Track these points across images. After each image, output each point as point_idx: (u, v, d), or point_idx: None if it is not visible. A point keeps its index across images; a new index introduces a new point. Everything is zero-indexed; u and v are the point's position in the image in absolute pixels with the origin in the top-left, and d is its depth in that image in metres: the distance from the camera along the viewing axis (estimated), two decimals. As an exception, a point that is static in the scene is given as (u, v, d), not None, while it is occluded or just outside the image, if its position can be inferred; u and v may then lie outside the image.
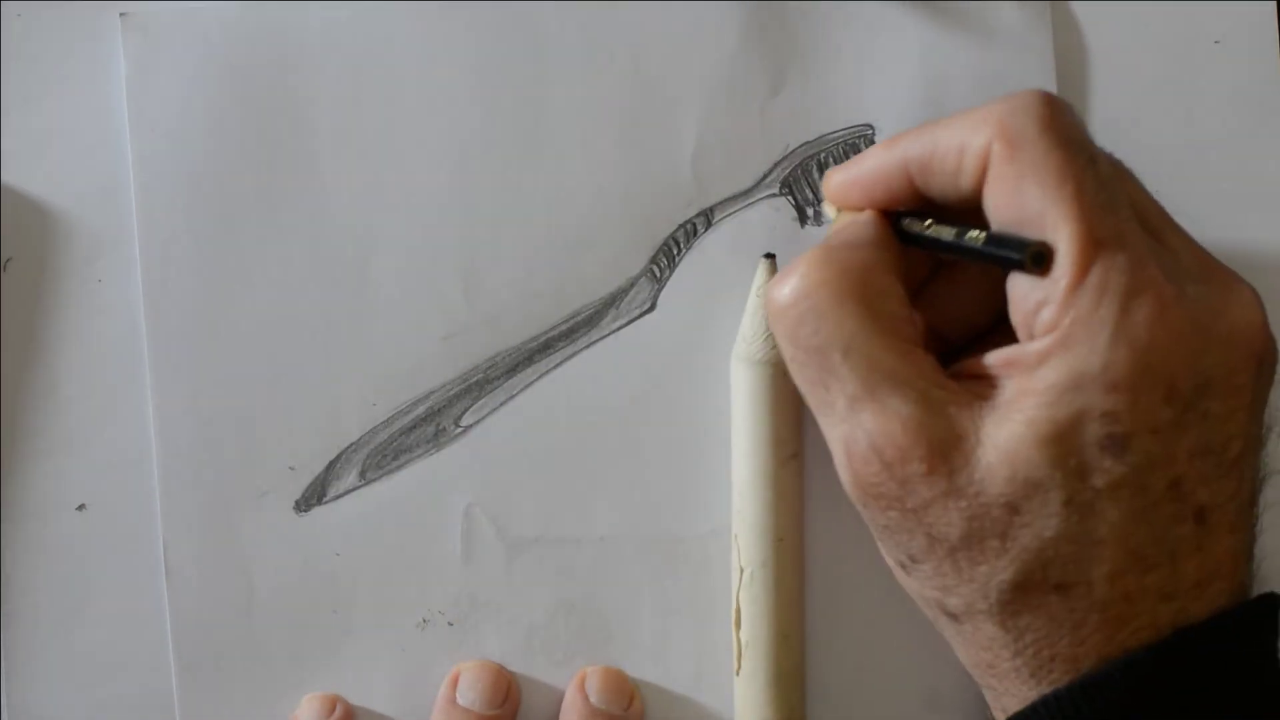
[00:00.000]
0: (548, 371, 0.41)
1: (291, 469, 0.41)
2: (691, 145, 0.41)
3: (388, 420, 0.41)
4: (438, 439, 0.41)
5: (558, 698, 0.40)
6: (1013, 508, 0.31)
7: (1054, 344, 0.31)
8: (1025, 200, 0.32)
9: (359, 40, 0.41)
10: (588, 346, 0.41)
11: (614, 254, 0.41)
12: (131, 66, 0.41)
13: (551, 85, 0.41)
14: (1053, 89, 0.41)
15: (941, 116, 0.41)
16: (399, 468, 0.41)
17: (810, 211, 0.41)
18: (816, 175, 0.41)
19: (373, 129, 0.41)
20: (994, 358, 0.32)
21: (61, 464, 0.40)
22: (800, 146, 0.42)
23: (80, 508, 0.40)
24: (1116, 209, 0.32)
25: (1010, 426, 0.31)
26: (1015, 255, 0.32)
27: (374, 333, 0.41)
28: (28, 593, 0.40)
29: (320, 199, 0.41)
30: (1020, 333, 0.32)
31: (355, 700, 0.40)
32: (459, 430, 0.41)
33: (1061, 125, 0.32)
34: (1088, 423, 0.31)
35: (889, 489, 0.32)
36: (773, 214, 0.41)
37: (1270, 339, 0.33)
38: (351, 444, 0.41)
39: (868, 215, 0.36)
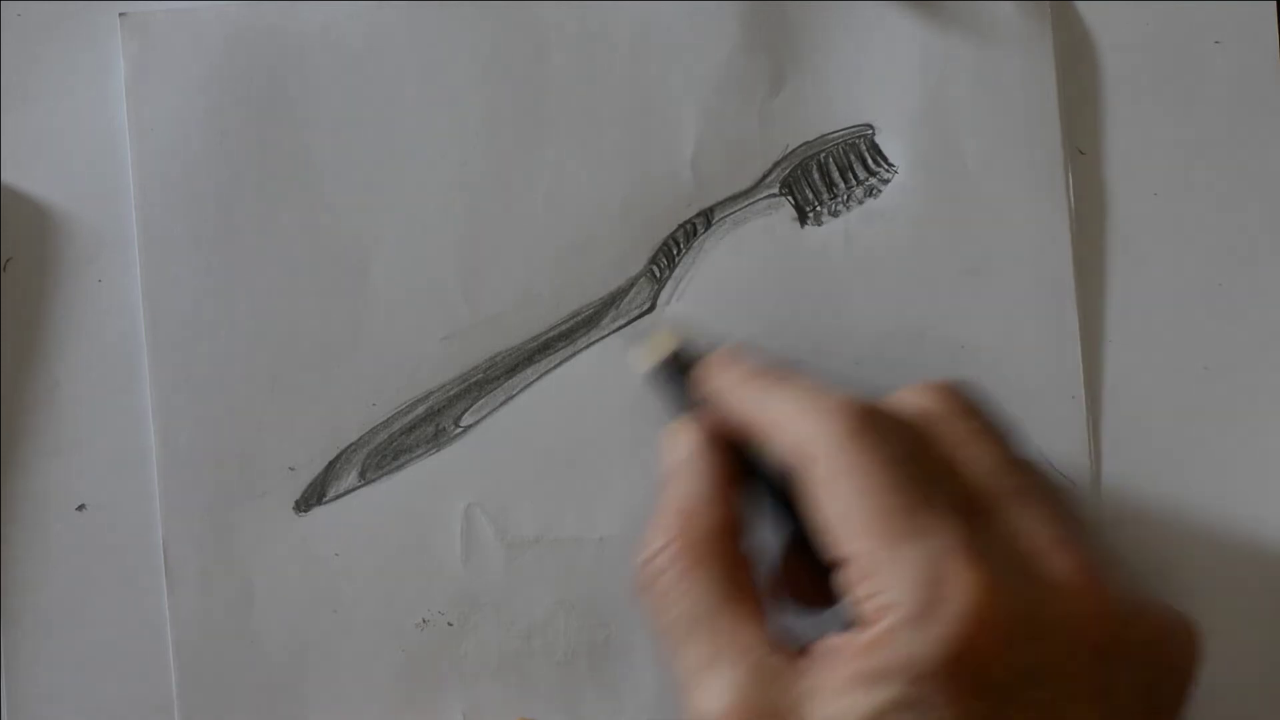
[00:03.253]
0: (547, 371, 0.41)
1: (291, 469, 0.41)
2: (691, 145, 0.41)
3: (388, 420, 0.41)
4: (437, 439, 0.41)
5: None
6: None
7: (868, 636, 0.31)
8: (829, 506, 0.32)
9: (359, 40, 0.41)
10: (587, 346, 0.41)
11: (614, 254, 0.41)
12: (131, 67, 0.41)
13: (551, 85, 0.41)
14: (1053, 89, 0.41)
15: (941, 116, 0.41)
16: (399, 468, 0.41)
17: (810, 212, 0.41)
18: (816, 175, 0.42)
19: (372, 129, 0.41)
20: (821, 644, 0.33)
21: (61, 464, 0.40)
22: (800, 146, 0.42)
23: (80, 508, 0.40)
24: (922, 504, 0.32)
25: (830, 710, 0.31)
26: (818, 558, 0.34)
27: (374, 333, 0.41)
28: (28, 593, 0.40)
29: (320, 199, 0.41)
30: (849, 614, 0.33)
31: (355, 700, 0.40)
32: (459, 430, 0.41)
33: (862, 432, 0.33)
34: (899, 712, 0.30)
35: None
36: (772, 214, 0.41)
37: (1118, 626, 0.32)
38: (351, 444, 0.41)
39: (709, 467, 0.36)
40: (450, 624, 0.41)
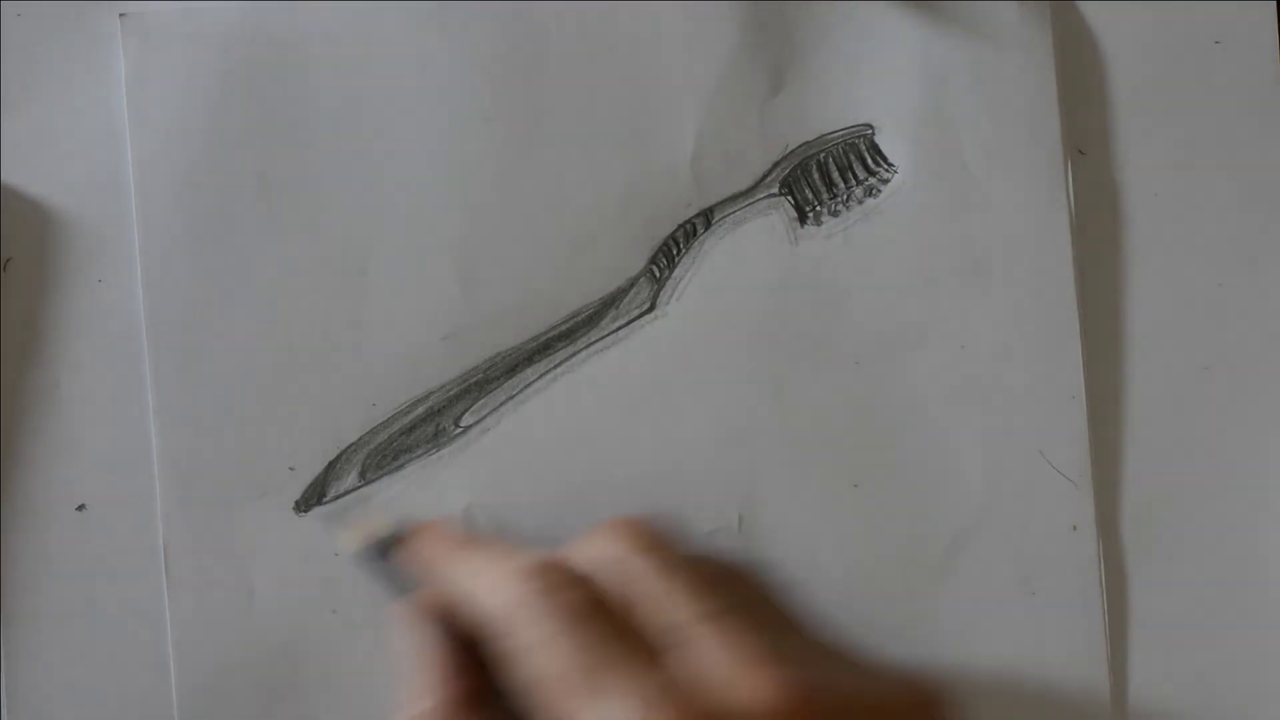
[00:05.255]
0: (547, 371, 0.41)
1: (291, 469, 0.41)
2: (691, 145, 0.41)
3: (387, 420, 0.41)
4: (437, 439, 0.41)
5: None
6: None
7: None
8: (526, 675, 0.33)
9: (359, 40, 0.41)
10: (587, 346, 0.41)
11: (614, 254, 0.41)
12: (131, 66, 0.41)
13: (551, 85, 0.41)
14: (1053, 89, 0.41)
15: (941, 116, 0.41)
16: (399, 468, 0.41)
17: (810, 212, 0.42)
18: (816, 175, 0.42)
19: (372, 129, 0.41)
20: None
21: (61, 464, 0.40)
22: (800, 146, 0.42)
23: (80, 508, 0.40)
24: (602, 664, 0.32)
25: None
26: None
27: (373, 333, 0.41)
28: (28, 593, 0.40)
29: (320, 199, 0.41)
30: None
31: (355, 700, 0.40)
32: (459, 430, 0.41)
33: (541, 597, 0.33)
34: None
35: None
36: (772, 214, 0.41)
37: None
38: (351, 444, 0.41)
39: (437, 638, 0.36)
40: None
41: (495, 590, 0.34)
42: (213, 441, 0.40)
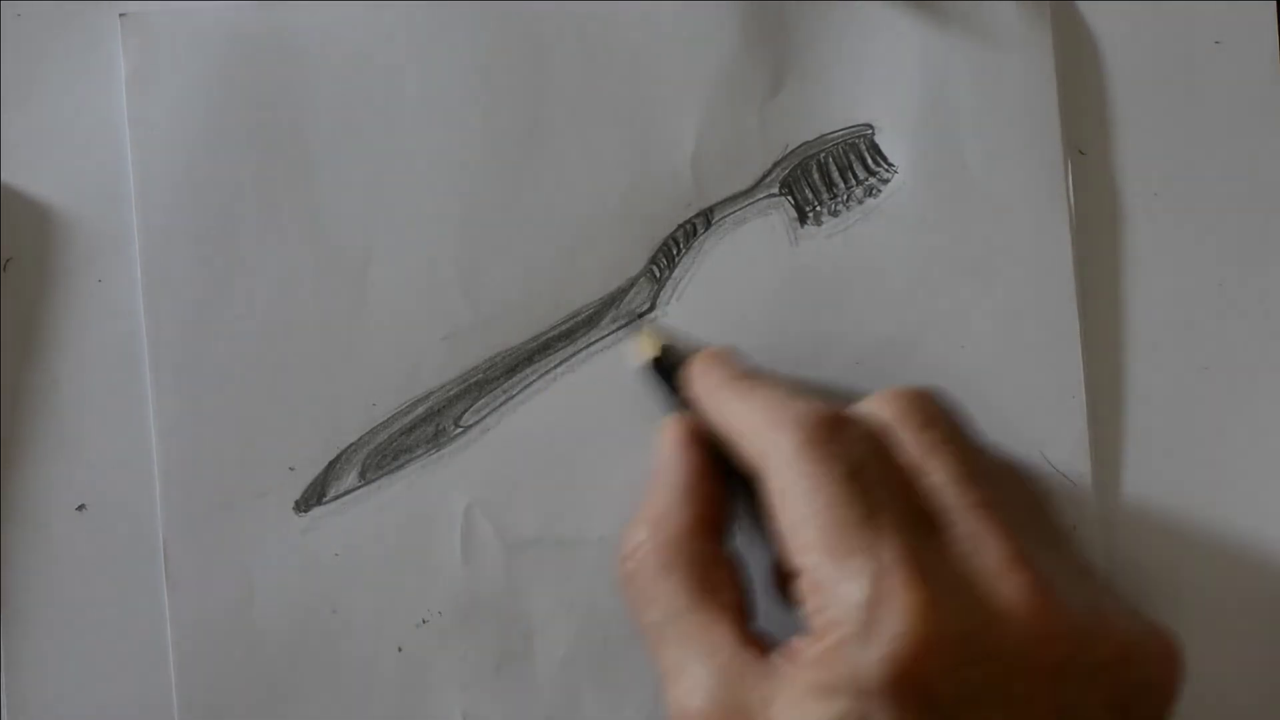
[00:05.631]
0: (547, 371, 0.41)
1: (291, 469, 0.41)
2: (691, 145, 0.41)
3: (387, 420, 0.41)
4: (437, 439, 0.41)
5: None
6: None
7: (819, 649, 0.31)
8: (781, 518, 0.33)
9: (359, 40, 0.41)
10: (587, 346, 0.41)
11: (613, 254, 0.41)
12: (131, 66, 0.41)
13: (551, 85, 0.41)
14: (1053, 89, 0.41)
15: (941, 116, 0.41)
16: (399, 468, 0.41)
17: (810, 212, 0.42)
18: (816, 175, 0.42)
19: (372, 129, 0.41)
20: (798, 641, 0.33)
21: (61, 464, 0.40)
22: (800, 146, 0.42)
23: (80, 508, 0.40)
24: (869, 520, 0.32)
25: (793, 712, 0.31)
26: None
27: (373, 333, 0.41)
28: (28, 593, 0.40)
29: (320, 199, 0.41)
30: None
31: (354, 699, 0.40)
32: (459, 430, 0.41)
33: (816, 444, 0.33)
34: None
35: None
36: (772, 214, 0.41)
37: (1074, 648, 0.32)
38: (351, 444, 0.41)
39: (686, 467, 0.37)
40: (450, 624, 0.41)
41: (767, 431, 0.34)
42: (213, 441, 0.40)
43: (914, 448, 0.34)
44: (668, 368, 0.39)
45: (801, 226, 0.42)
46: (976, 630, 0.31)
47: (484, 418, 0.41)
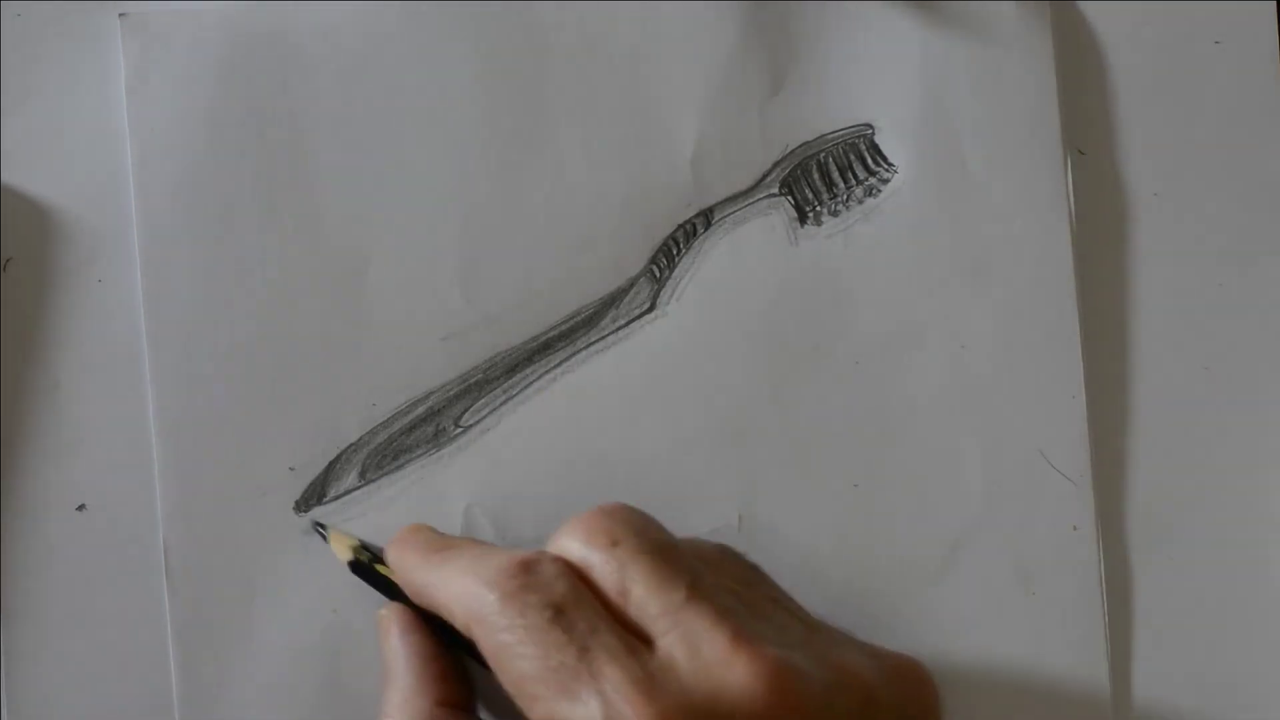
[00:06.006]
0: (547, 371, 0.41)
1: (291, 469, 0.41)
2: (691, 145, 0.41)
3: (387, 421, 0.41)
4: (437, 439, 0.41)
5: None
6: None
7: None
8: (505, 680, 0.33)
9: (358, 40, 0.41)
10: (587, 346, 0.41)
11: (613, 254, 0.41)
12: (131, 66, 0.41)
13: (551, 85, 0.41)
14: (1053, 89, 0.41)
15: (941, 116, 0.41)
16: (399, 468, 0.41)
17: (810, 212, 0.41)
18: (816, 175, 0.42)
19: (372, 129, 0.41)
20: None
21: (61, 464, 0.40)
22: (800, 146, 0.42)
23: (80, 508, 0.40)
24: (582, 655, 0.32)
25: None
26: None
27: (373, 333, 0.41)
28: (28, 593, 0.40)
29: (320, 199, 0.41)
30: None
31: (355, 700, 0.40)
32: (459, 430, 0.41)
33: (511, 598, 0.33)
34: None
35: None
36: (772, 214, 0.41)
37: (818, 708, 0.31)
38: (351, 444, 0.41)
39: (414, 650, 0.37)
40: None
41: (471, 593, 0.33)
42: (213, 441, 0.40)
43: (608, 568, 0.33)
44: (368, 563, 0.39)
45: (801, 226, 0.42)
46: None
47: (484, 418, 0.41)
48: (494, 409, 0.41)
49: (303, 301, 0.41)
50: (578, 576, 0.33)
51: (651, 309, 0.41)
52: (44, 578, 0.40)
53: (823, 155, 0.42)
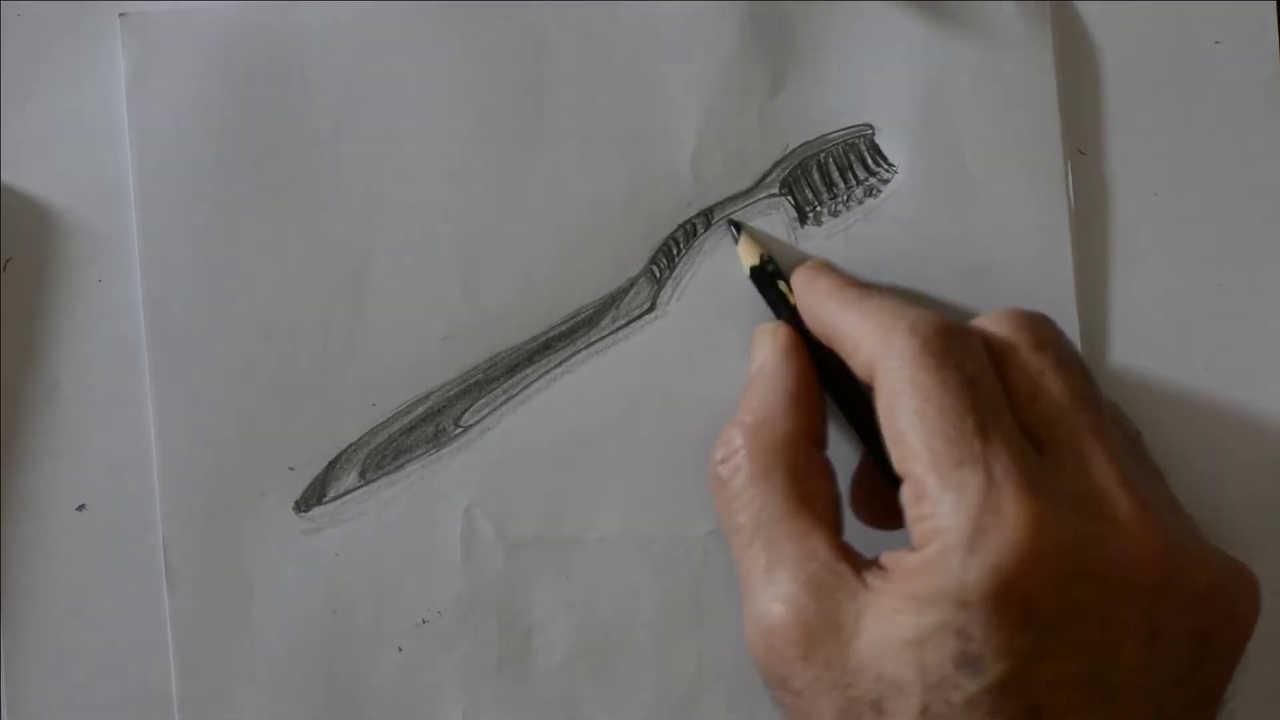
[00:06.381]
0: (547, 371, 0.41)
1: (291, 469, 0.41)
2: (691, 145, 0.41)
3: (387, 420, 0.41)
4: (437, 439, 0.41)
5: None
6: (878, 706, 0.31)
7: (919, 558, 0.31)
8: (892, 424, 0.32)
9: (359, 40, 0.41)
10: (587, 346, 0.41)
11: (614, 254, 0.41)
12: (130, 66, 0.41)
13: (551, 85, 0.41)
14: (1053, 89, 0.41)
15: (941, 116, 0.41)
16: (399, 468, 0.41)
17: (810, 212, 0.41)
18: (816, 175, 0.42)
19: (372, 128, 0.41)
20: (887, 557, 0.33)
21: (61, 464, 0.40)
22: (800, 146, 0.42)
23: (80, 508, 0.40)
24: (981, 431, 0.32)
25: (884, 626, 0.31)
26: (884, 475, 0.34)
27: (374, 333, 0.41)
28: (28, 593, 0.40)
29: (320, 199, 0.41)
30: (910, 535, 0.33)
31: (355, 700, 0.40)
32: (459, 430, 0.41)
33: (933, 352, 0.33)
34: (945, 637, 0.30)
35: (775, 669, 0.33)
36: (772, 214, 0.41)
37: (1174, 571, 0.32)
38: (351, 444, 0.41)
39: (788, 375, 0.37)
40: (450, 624, 0.41)
41: (883, 337, 0.33)
42: (213, 441, 0.40)
43: (1029, 367, 0.33)
44: (772, 274, 0.40)
45: (801, 226, 0.42)
46: (1082, 546, 0.31)
47: (484, 418, 0.41)
48: (494, 409, 0.41)
49: (303, 301, 0.41)
50: (997, 359, 0.33)
51: (651, 309, 0.41)
52: (44, 578, 0.40)
53: (823, 155, 0.42)
